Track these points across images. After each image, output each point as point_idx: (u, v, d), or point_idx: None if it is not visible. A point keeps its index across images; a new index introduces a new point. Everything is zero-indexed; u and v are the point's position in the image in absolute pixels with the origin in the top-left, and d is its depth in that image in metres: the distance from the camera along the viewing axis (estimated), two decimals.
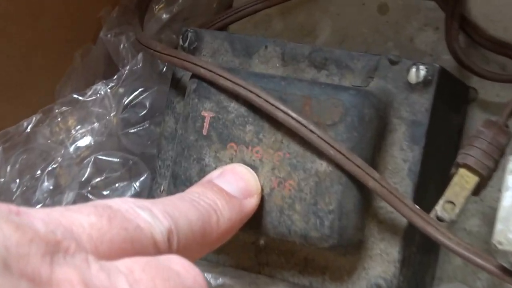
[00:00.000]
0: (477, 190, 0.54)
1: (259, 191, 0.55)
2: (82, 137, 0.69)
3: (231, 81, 0.57)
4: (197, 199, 0.48)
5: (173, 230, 0.42)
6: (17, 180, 0.67)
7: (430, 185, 0.59)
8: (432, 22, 0.68)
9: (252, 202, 0.54)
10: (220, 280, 0.64)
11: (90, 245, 0.36)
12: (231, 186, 0.52)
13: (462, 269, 0.64)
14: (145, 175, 0.70)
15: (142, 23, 0.69)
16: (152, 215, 0.41)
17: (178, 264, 0.38)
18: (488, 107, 0.65)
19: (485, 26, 0.67)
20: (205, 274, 0.65)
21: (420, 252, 0.61)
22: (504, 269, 0.50)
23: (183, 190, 0.55)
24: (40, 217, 0.34)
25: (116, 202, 0.40)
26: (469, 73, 0.65)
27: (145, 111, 0.70)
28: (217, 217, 0.48)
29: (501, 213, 0.48)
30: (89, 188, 0.69)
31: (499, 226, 0.47)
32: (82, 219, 0.37)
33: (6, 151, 0.68)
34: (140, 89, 0.70)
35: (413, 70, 0.57)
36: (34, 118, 0.70)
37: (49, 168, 0.67)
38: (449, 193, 0.54)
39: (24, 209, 0.34)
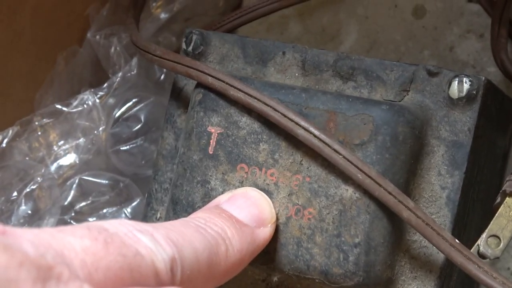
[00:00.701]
0: None
1: (274, 220, 0.55)
2: (65, 154, 0.69)
3: (243, 92, 0.58)
4: (204, 225, 0.48)
5: (176, 259, 0.42)
6: None
7: (471, 216, 0.60)
8: (476, 28, 0.71)
9: (266, 232, 0.53)
10: None
11: (83, 272, 0.36)
12: (242, 213, 0.52)
13: None
14: (138, 200, 0.70)
15: (137, 23, 0.70)
16: (154, 240, 0.41)
17: None
18: None
19: None
20: None
21: None
22: None
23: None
24: (29, 238, 0.35)
25: (113, 224, 0.41)
26: None
27: (139, 126, 0.70)
28: (226, 247, 0.48)
29: None
30: (73, 214, 0.70)
31: None
32: (74, 242, 0.37)
33: None
34: (133, 100, 0.71)
35: (455, 83, 0.58)
36: (10, 131, 0.70)
37: (27, 190, 0.67)
38: (493, 226, 0.55)
39: (10, 229, 0.35)
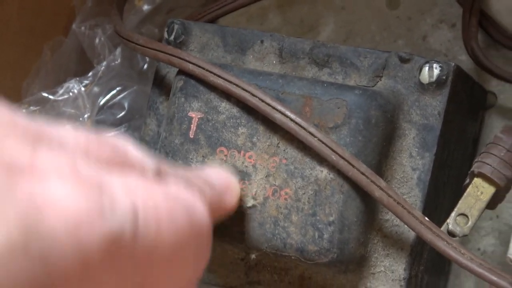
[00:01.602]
0: (493, 203, 0.59)
1: (237, 197, 0.54)
2: None
3: (222, 78, 0.61)
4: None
5: (162, 169, 0.44)
6: None
7: (441, 196, 0.63)
8: (448, 18, 0.73)
9: (233, 199, 0.53)
10: None
11: (77, 147, 0.37)
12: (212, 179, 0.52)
13: None
14: None
15: (121, 15, 0.71)
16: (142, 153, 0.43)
17: (175, 187, 0.41)
18: (508, 114, 0.69)
19: (507, 23, 0.69)
20: None
21: (429, 273, 0.65)
22: None
23: None
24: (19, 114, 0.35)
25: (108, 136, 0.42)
26: (488, 76, 0.70)
27: (123, 113, 0.72)
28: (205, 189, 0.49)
29: None
30: None
31: None
32: (69, 132, 0.38)
33: None
34: (117, 88, 0.72)
35: (426, 69, 0.60)
36: None
37: None
38: (462, 205, 0.58)
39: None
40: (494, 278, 0.56)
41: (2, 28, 0.73)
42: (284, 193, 0.60)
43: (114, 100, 0.71)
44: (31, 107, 0.72)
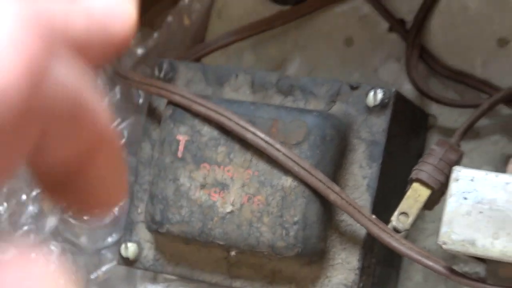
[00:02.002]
0: (430, 204, 0.64)
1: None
2: None
3: (204, 106, 0.67)
4: None
5: None
6: (5, 204, 0.68)
7: (388, 200, 0.67)
8: (394, 53, 0.75)
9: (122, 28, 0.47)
10: None
11: None
12: None
13: (421, 285, 0.71)
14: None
15: (119, 58, 0.75)
16: None
17: None
18: (447, 133, 0.72)
19: (443, 56, 0.74)
20: None
21: (380, 265, 0.70)
22: (450, 270, 0.61)
23: (160, 209, 0.67)
24: None
25: None
26: (429, 101, 0.73)
27: (122, 141, 0.73)
28: None
29: (446, 217, 0.58)
30: (69, 214, 0.69)
31: (443, 229, 0.57)
32: None
33: None
34: (118, 120, 0.73)
35: (371, 94, 0.66)
36: None
37: (34, 194, 0.69)
38: (403, 206, 0.63)
39: None
40: (430, 263, 0.61)
41: None
42: (257, 199, 0.65)
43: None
44: None
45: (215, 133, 0.67)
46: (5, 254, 0.45)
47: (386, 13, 0.75)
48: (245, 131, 0.65)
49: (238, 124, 0.66)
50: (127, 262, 0.71)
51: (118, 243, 0.72)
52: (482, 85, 0.72)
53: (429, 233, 0.68)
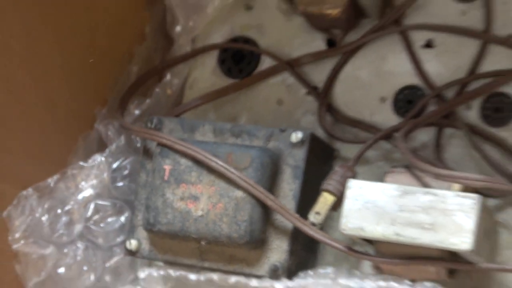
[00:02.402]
0: (335, 207, 0.66)
1: None
2: (85, 189, 0.73)
3: (182, 145, 0.69)
4: None
5: None
6: (46, 215, 0.69)
7: (307, 204, 0.67)
8: (311, 109, 0.76)
9: None
10: (177, 273, 0.70)
11: None
12: None
13: (332, 263, 0.72)
14: (127, 213, 0.75)
15: (122, 116, 0.75)
16: None
17: None
18: (346, 160, 0.73)
19: (343, 110, 0.75)
20: (167, 270, 0.70)
21: (303, 249, 0.70)
22: (349, 248, 0.63)
23: (153, 215, 0.68)
24: None
25: None
26: (334, 140, 0.74)
27: (126, 172, 0.75)
28: None
29: (344, 213, 0.61)
30: (91, 222, 0.73)
31: (343, 220, 0.61)
32: None
33: (39, 198, 0.71)
34: (122, 158, 0.75)
35: (294, 134, 0.68)
36: (55, 177, 0.73)
37: (66, 209, 0.71)
38: (316, 207, 0.66)
39: None
40: (335, 244, 0.64)
41: (55, 127, 0.74)
42: (219, 206, 0.67)
43: (121, 165, 0.75)
44: (74, 171, 0.74)
45: (190, 163, 0.69)
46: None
47: (305, 82, 0.76)
48: (210, 161, 0.67)
49: (205, 156, 0.68)
50: (131, 253, 0.72)
51: (124, 241, 0.73)
52: (370, 128, 0.73)
53: (336, 229, 0.65)
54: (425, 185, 0.63)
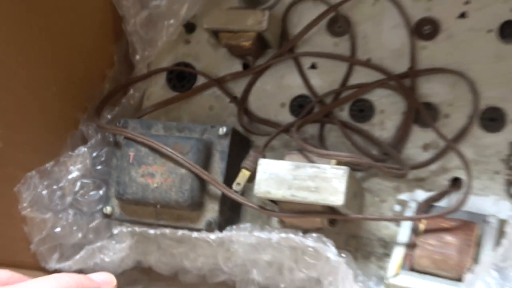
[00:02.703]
0: (250, 179, 0.66)
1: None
2: (73, 172, 0.72)
3: (142, 138, 0.68)
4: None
5: None
6: (45, 190, 0.68)
7: (231, 178, 0.67)
8: (233, 113, 0.75)
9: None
10: (140, 229, 0.69)
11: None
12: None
13: (250, 221, 0.71)
14: (104, 187, 0.73)
15: (99, 118, 0.74)
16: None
17: None
18: (258, 148, 0.68)
19: (256, 112, 0.75)
20: (133, 227, 0.69)
21: (231, 210, 0.70)
22: (261, 207, 0.64)
23: (122, 188, 0.67)
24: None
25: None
26: (250, 134, 0.74)
27: (102, 159, 0.74)
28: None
29: (257, 182, 0.61)
30: (78, 195, 0.72)
31: (256, 187, 0.61)
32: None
33: (40, 178, 0.69)
34: (99, 149, 0.74)
35: (221, 129, 0.68)
36: (51, 163, 0.71)
37: (59, 185, 0.69)
38: (237, 180, 0.66)
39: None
40: (251, 204, 0.64)
41: (46, 126, 0.71)
42: (169, 180, 0.67)
43: (99, 153, 0.74)
44: (65, 158, 0.72)
45: (147, 150, 0.68)
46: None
47: (228, 94, 0.75)
48: (162, 148, 0.67)
49: (158, 145, 0.67)
50: (107, 216, 0.71)
51: (102, 208, 0.71)
52: (274, 125, 0.73)
53: (252, 196, 0.65)
54: (311, 162, 0.63)
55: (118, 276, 0.67)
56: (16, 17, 0.65)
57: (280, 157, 0.66)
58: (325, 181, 0.59)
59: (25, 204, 0.68)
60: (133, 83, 0.78)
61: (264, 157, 0.65)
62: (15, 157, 0.67)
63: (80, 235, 0.72)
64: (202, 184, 0.67)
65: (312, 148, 0.62)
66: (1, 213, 0.66)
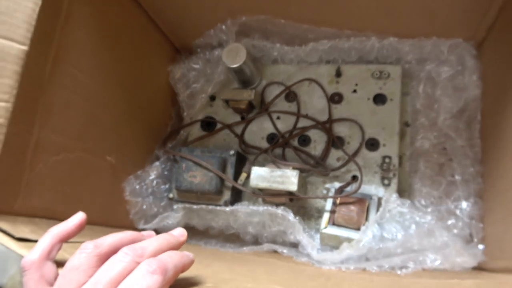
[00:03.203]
0: (247, 178, 0.64)
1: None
2: (152, 175, 0.67)
3: (189, 157, 0.65)
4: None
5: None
6: (138, 186, 0.64)
7: (236, 177, 0.64)
8: (236, 142, 0.69)
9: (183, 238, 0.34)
10: (187, 206, 0.64)
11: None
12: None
13: (247, 200, 0.67)
14: (168, 184, 0.67)
15: (164, 147, 0.70)
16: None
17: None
18: (250, 161, 0.66)
19: (249, 141, 0.69)
20: (184, 204, 0.63)
21: (236, 194, 0.67)
22: (253, 192, 0.62)
23: (179, 183, 0.63)
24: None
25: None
26: (246, 154, 0.67)
27: (168, 168, 0.68)
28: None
29: (251, 179, 0.58)
30: (155, 187, 0.65)
31: (251, 182, 0.58)
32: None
33: (135, 179, 0.63)
34: (166, 164, 0.68)
35: (231, 152, 0.64)
36: (141, 171, 0.65)
37: (146, 182, 0.64)
38: (240, 177, 0.64)
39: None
40: (247, 190, 0.62)
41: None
42: (204, 179, 0.63)
43: (165, 166, 0.69)
44: (148, 168, 0.66)
45: (192, 163, 0.65)
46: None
47: (233, 132, 0.70)
48: (200, 161, 0.65)
49: (198, 161, 0.66)
50: (170, 199, 0.68)
51: (167, 195, 0.68)
52: (259, 149, 0.69)
53: (248, 186, 0.60)
54: (279, 168, 0.60)
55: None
56: (118, 98, 0.60)
57: (263, 166, 0.63)
58: (287, 178, 0.58)
59: (127, 193, 0.67)
60: (182, 128, 0.76)
61: (254, 165, 0.62)
62: (122, 168, 0.64)
63: (155, 209, 0.70)
64: (222, 180, 0.64)
65: (279, 161, 0.61)
66: (115, 200, 0.63)
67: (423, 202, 0.56)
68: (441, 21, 0.52)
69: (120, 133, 0.60)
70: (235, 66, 0.62)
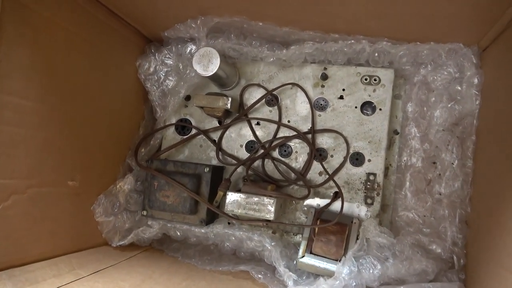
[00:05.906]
0: (223, 197, 0.61)
1: None
2: (124, 189, 0.65)
3: (161, 176, 0.63)
4: None
5: None
6: (109, 204, 0.63)
7: (212, 197, 0.63)
8: (213, 149, 0.68)
9: None
10: (161, 223, 0.65)
11: None
12: None
13: (224, 220, 0.63)
14: (142, 197, 0.65)
15: (136, 156, 0.67)
16: None
17: None
18: (227, 179, 0.65)
19: (226, 150, 0.68)
20: (158, 222, 0.64)
21: (211, 214, 0.65)
22: (229, 215, 0.60)
23: (151, 204, 0.62)
24: None
25: None
26: (222, 163, 0.68)
27: (141, 180, 0.66)
28: None
29: (226, 204, 0.57)
30: (128, 202, 0.65)
31: (226, 208, 0.58)
32: None
33: (105, 197, 0.63)
34: (139, 175, 0.67)
35: (206, 168, 0.62)
36: (112, 186, 0.64)
37: (118, 199, 0.64)
38: (216, 198, 0.62)
39: None
40: (223, 214, 0.59)
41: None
42: (177, 200, 0.61)
43: (138, 178, 0.67)
44: (120, 181, 0.65)
45: (164, 182, 0.64)
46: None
47: (210, 139, 0.69)
48: (173, 182, 0.63)
49: (170, 180, 0.63)
50: (144, 215, 0.66)
51: (142, 211, 0.66)
52: (237, 159, 0.67)
53: (224, 209, 0.59)
54: (256, 194, 0.60)
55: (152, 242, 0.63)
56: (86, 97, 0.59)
57: (238, 186, 0.63)
58: (264, 206, 0.59)
59: (97, 215, 0.65)
60: (156, 131, 0.73)
61: (230, 183, 0.63)
62: (89, 189, 0.62)
63: (129, 225, 0.69)
64: (196, 201, 0.64)
65: (254, 192, 0.59)
66: (85, 221, 0.62)
67: (406, 219, 0.54)
68: (441, 27, 0.49)
69: (83, 149, 0.57)
70: (208, 75, 0.60)
